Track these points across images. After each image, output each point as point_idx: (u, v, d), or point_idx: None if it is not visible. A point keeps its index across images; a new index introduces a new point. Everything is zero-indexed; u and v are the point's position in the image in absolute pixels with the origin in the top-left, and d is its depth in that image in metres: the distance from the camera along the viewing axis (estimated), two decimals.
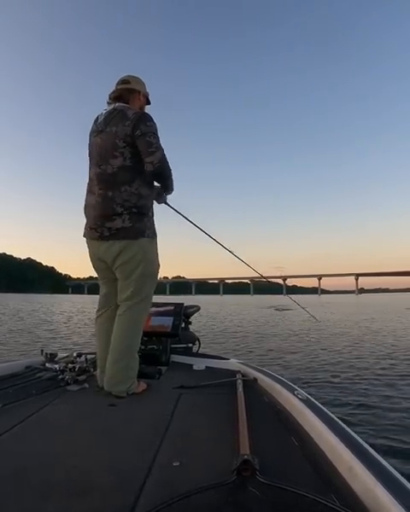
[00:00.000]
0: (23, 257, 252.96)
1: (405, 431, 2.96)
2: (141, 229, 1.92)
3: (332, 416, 1.42)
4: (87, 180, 2.06)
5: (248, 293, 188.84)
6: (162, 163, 1.87)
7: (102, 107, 2.11)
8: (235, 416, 1.49)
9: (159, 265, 2.05)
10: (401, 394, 4.04)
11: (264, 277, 3.79)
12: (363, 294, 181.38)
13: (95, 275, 2.12)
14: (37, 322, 14.44)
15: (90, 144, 2.06)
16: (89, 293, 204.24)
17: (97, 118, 2.05)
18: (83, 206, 2.06)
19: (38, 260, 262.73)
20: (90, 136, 2.06)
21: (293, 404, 1.58)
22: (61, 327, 12.58)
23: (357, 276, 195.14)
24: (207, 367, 2.45)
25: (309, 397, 1.64)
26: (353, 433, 1.26)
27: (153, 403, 1.78)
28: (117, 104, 2.00)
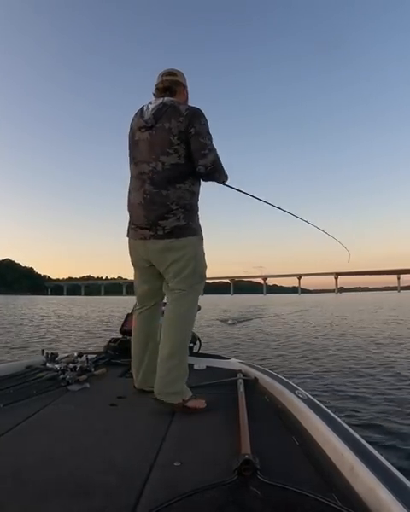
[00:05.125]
0: (1, 258, 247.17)
1: (407, 431, 2.99)
2: (194, 227, 1.89)
3: (333, 415, 1.43)
4: (129, 177, 1.99)
5: (229, 293, 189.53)
6: (215, 165, 1.84)
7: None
8: (236, 415, 1.50)
9: (206, 266, 1.99)
10: (403, 394, 4.08)
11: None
12: (343, 293, 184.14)
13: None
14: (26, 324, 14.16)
15: (133, 140, 1.96)
16: (68, 294, 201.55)
17: (141, 112, 1.94)
18: (127, 205, 1.99)
19: (16, 261, 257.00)
20: (135, 131, 1.95)
21: (294, 403, 1.59)
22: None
23: (336, 275, 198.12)
24: (207, 367, 2.46)
25: (310, 396, 1.66)
26: (354, 433, 1.27)
27: (154, 402, 1.78)
28: (166, 98, 1.89)
